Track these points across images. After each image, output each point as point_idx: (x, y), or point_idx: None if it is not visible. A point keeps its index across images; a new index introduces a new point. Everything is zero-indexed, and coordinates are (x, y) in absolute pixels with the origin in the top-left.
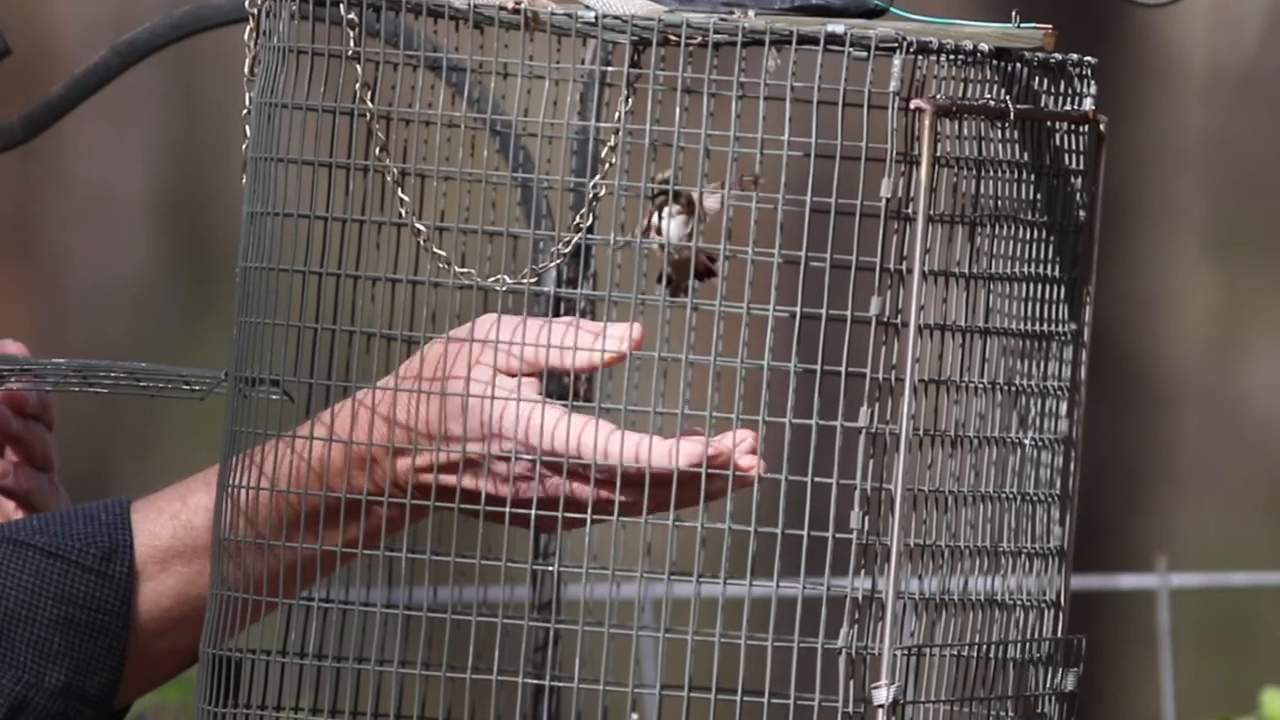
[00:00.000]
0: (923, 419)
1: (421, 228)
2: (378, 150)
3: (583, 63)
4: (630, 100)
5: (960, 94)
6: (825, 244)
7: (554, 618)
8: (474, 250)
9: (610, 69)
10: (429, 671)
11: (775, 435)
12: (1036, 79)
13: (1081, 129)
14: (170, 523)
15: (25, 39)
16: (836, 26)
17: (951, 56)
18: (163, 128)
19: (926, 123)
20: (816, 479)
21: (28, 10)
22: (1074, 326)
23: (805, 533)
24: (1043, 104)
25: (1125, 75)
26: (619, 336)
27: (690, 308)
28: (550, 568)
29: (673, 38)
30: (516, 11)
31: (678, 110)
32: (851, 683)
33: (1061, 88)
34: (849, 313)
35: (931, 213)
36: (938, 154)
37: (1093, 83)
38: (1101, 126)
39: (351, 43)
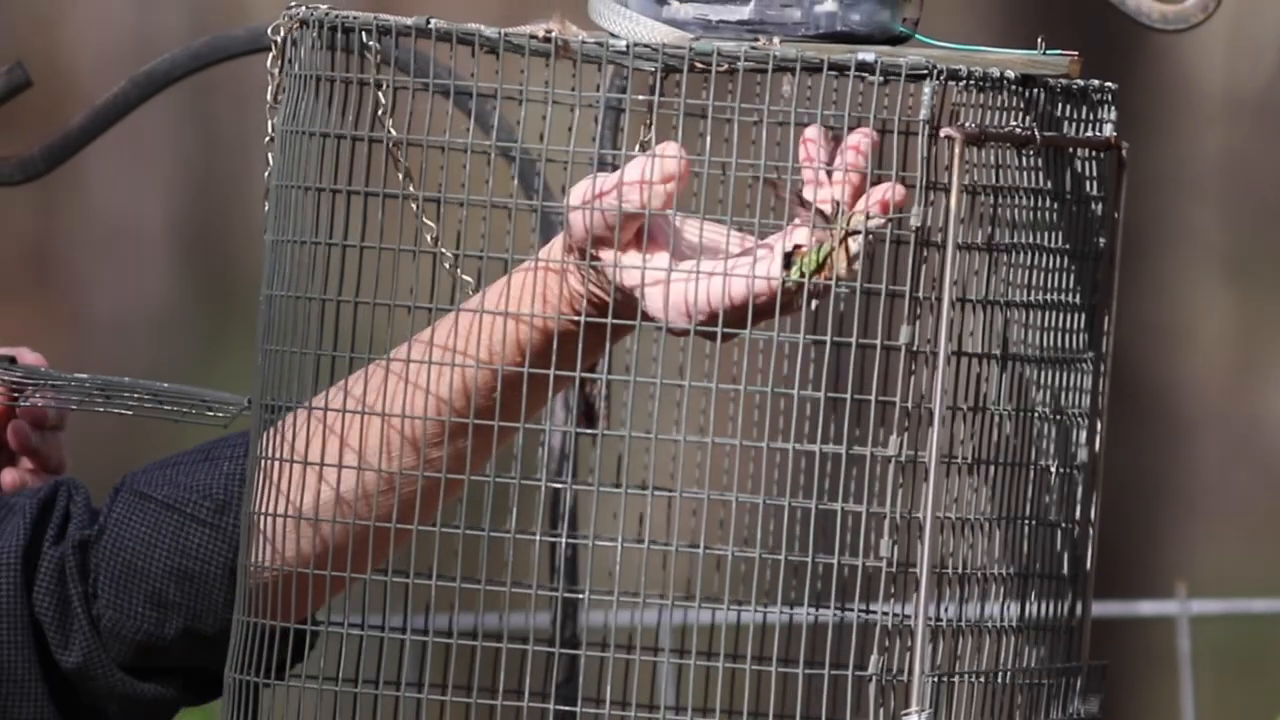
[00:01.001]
0: (950, 446)
1: (448, 254)
2: (401, 177)
3: (597, 89)
4: (652, 127)
5: (986, 121)
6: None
7: (577, 641)
8: (492, 276)
9: (627, 96)
10: (442, 697)
11: (803, 463)
12: (1058, 105)
13: (1102, 155)
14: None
15: (45, 71)
16: (867, 54)
17: (979, 83)
18: (181, 158)
19: (957, 150)
20: (846, 506)
21: (47, 43)
22: (1094, 353)
23: (836, 560)
24: (1063, 130)
25: (1143, 100)
26: (673, 158)
27: (719, 336)
28: (580, 594)
29: (699, 65)
30: (547, 40)
31: (707, 138)
32: (882, 710)
33: (1083, 113)
34: (880, 341)
35: (959, 241)
36: (965, 182)
37: (1113, 108)
38: (1123, 152)
39: (373, 70)
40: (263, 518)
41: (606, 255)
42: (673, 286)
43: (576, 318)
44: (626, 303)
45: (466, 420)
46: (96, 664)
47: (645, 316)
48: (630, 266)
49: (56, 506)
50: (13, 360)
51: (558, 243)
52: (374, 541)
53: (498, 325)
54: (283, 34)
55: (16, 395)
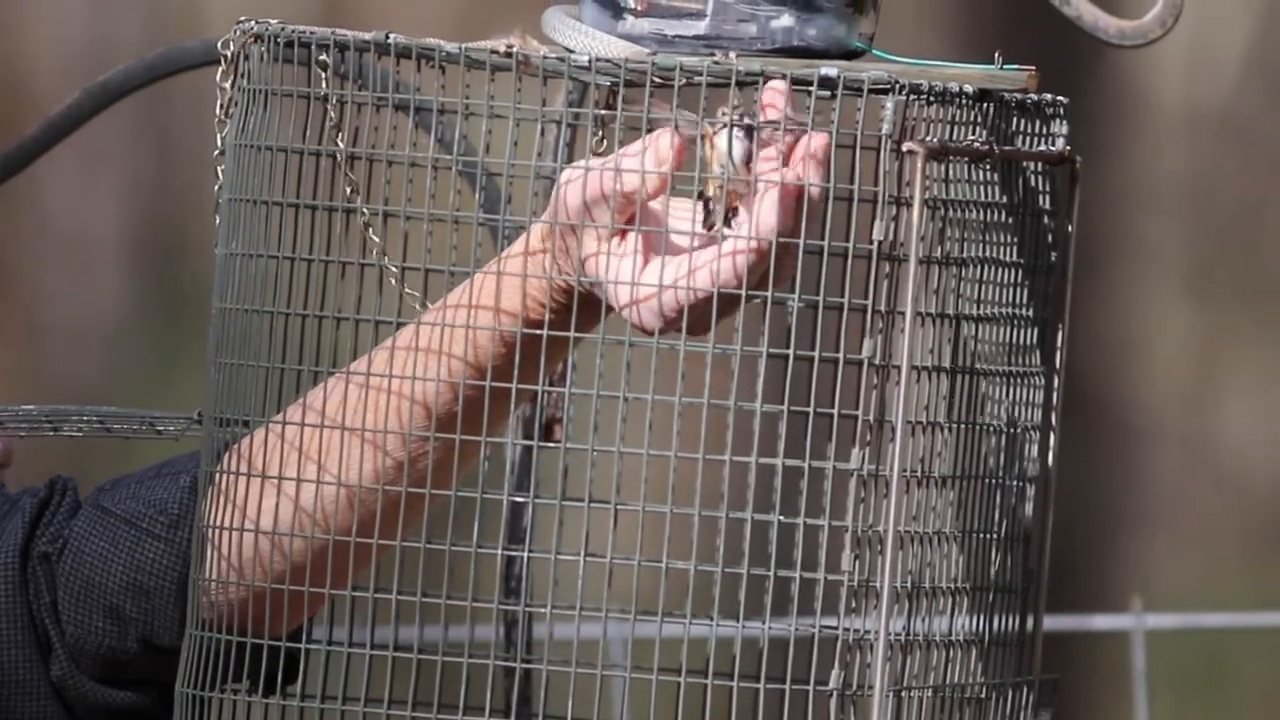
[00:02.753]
0: (910, 460)
1: (393, 268)
2: (348, 191)
3: (543, 103)
4: (604, 141)
5: (946, 136)
6: (812, 285)
7: (534, 656)
8: (441, 290)
9: (581, 110)
10: (394, 711)
11: (766, 476)
12: (1011, 119)
13: (1055, 168)
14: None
15: None
16: (830, 69)
17: (939, 98)
18: (136, 169)
19: (919, 165)
20: (789, 520)
21: (1, 53)
22: (1047, 366)
23: (798, 574)
24: (1017, 144)
25: (1102, 116)
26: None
27: (682, 351)
28: (541, 608)
29: (658, 79)
30: (508, 55)
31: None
32: None
33: (1036, 127)
34: (841, 355)
35: (921, 255)
36: (926, 196)
37: (1065, 122)
38: (1076, 166)
39: (324, 84)
40: (216, 531)
41: (577, 245)
42: (641, 286)
43: (541, 314)
44: (590, 300)
45: (427, 434)
46: (69, 675)
47: (610, 311)
48: (593, 254)
49: (50, 507)
50: None
51: (535, 230)
52: (337, 557)
53: (458, 333)
54: (234, 48)
55: None
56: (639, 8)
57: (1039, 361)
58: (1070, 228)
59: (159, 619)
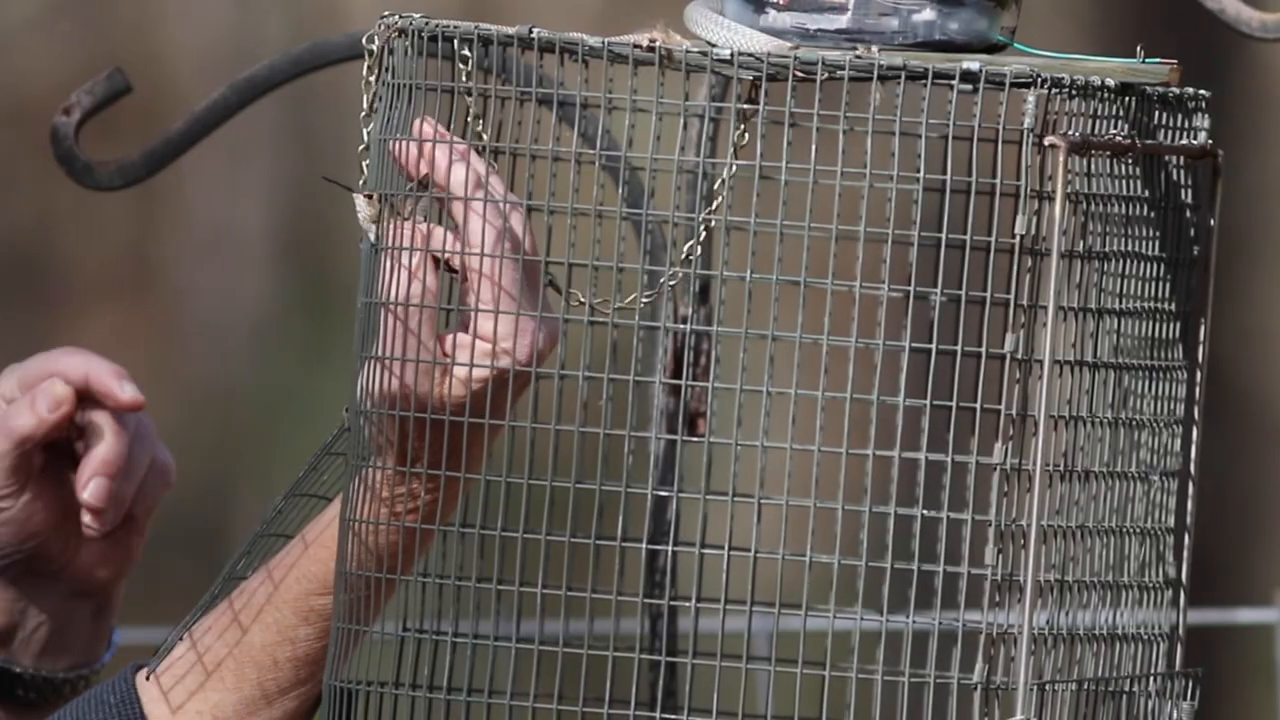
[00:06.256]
0: (1052, 454)
1: (550, 264)
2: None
3: (686, 97)
4: (746, 135)
5: (1088, 130)
6: (954, 280)
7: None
8: (584, 284)
9: (723, 104)
10: (539, 704)
11: (909, 470)
12: (1152, 113)
13: (1196, 162)
14: (181, 687)
15: (144, 77)
16: (972, 63)
17: (1080, 92)
18: (280, 163)
19: (1061, 159)
20: (932, 513)
21: (146, 49)
22: (1189, 360)
23: (941, 568)
24: (1158, 138)
25: (1243, 109)
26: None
27: (825, 345)
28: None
29: (800, 74)
30: (651, 49)
31: (813, 148)
32: (985, 718)
33: (1178, 121)
34: (983, 349)
35: (1063, 249)
36: (1068, 190)
37: (1207, 116)
38: (1218, 160)
39: (467, 79)
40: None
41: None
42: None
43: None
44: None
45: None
46: None
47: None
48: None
49: None
50: None
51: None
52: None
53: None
54: (378, 42)
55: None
56: (781, 1)
57: (1181, 356)
58: (1212, 222)
59: None
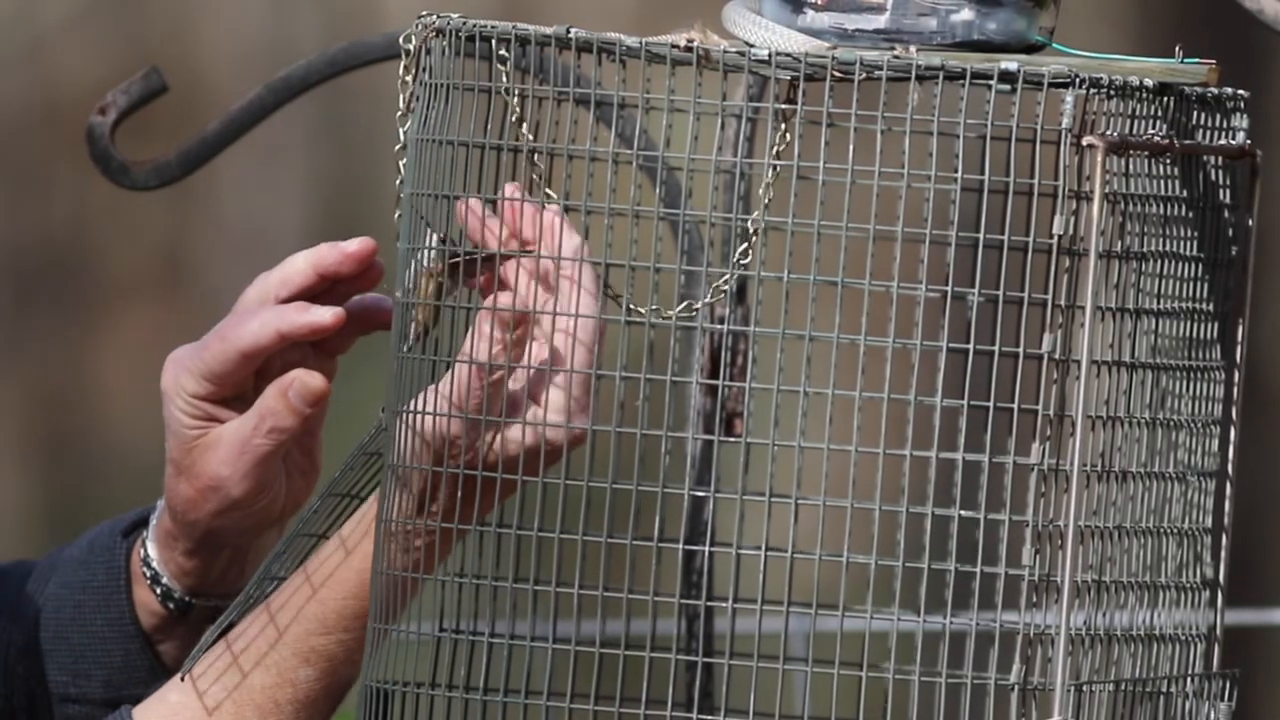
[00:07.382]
0: (1090, 454)
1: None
2: (536, 179)
3: (724, 97)
4: (788, 135)
5: (1126, 130)
6: (992, 280)
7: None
8: (621, 283)
9: (761, 104)
10: (576, 705)
11: (946, 470)
12: (1190, 113)
13: (1235, 163)
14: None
15: (180, 77)
16: (1010, 63)
17: (1119, 92)
18: (316, 164)
19: (1099, 159)
20: (969, 514)
21: (182, 48)
22: (1227, 361)
23: (979, 568)
24: (1196, 138)
25: None
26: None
27: (862, 345)
28: (723, 603)
29: (837, 73)
30: (689, 49)
31: (850, 146)
32: (1023, 719)
33: (1216, 121)
34: (1021, 349)
35: (1101, 249)
36: (1106, 190)
37: (1245, 115)
38: (1256, 160)
39: (505, 78)
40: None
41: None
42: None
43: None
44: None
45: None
46: None
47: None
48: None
49: None
50: None
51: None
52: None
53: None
54: (415, 42)
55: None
56: (819, 2)
57: (1219, 356)
58: (1251, 222)
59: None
